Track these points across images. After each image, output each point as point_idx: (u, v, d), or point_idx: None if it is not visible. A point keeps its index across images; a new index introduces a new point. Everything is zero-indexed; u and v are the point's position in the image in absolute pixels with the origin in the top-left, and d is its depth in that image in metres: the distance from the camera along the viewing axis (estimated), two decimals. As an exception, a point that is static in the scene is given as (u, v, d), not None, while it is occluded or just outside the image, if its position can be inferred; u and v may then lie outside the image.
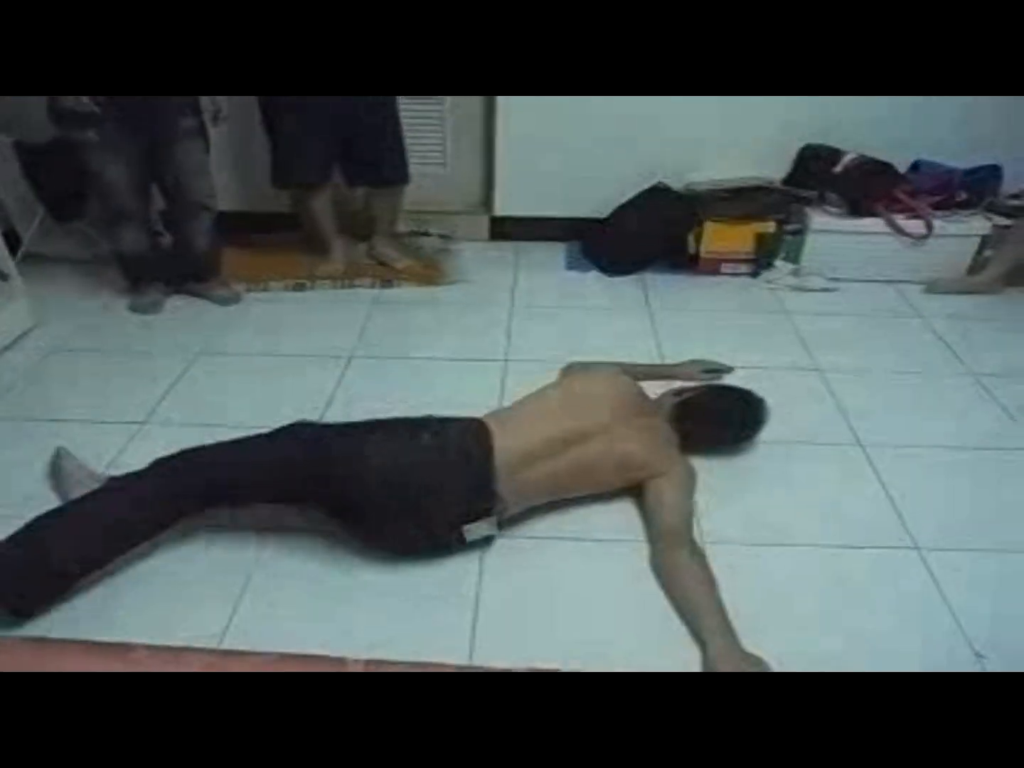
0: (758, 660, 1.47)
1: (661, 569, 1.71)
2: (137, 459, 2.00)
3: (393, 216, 3.18)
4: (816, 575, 1.73)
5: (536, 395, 1.94)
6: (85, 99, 2.32)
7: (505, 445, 1.72)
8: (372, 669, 1.19)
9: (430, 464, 1.70)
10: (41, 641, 1.23)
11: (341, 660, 1.21)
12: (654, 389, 2.11)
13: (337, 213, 3.12)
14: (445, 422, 1.78)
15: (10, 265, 2.60)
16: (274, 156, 2.88)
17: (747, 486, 1.99)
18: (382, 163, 2.92)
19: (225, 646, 1.52)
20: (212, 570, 1.71)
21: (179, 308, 2.86)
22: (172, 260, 2.89)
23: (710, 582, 1.63)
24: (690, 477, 1.89)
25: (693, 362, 2.39)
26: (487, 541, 1.79)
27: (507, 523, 1.80)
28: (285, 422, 1.78)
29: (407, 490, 1.67)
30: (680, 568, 1.66)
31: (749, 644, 1.51)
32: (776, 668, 1.45)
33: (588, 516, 1.88)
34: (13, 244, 2.82)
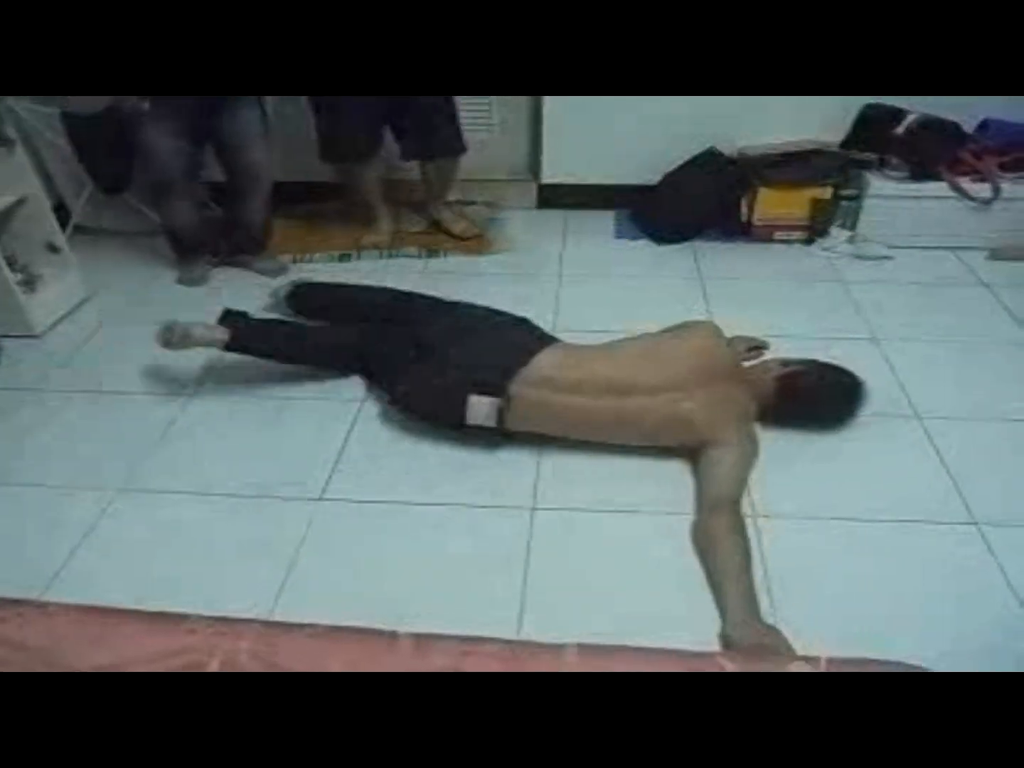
0: (776, 633, 1.46)
1: (698, 536, 1.71)
2: (191, 423, 2.11)
3: (448, 186, 3.17)
4: (872, 549, 1.69)
5: (627, 339, 2.04)
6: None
7: (544, 361, 1.90)
8: (421, 643, 1.20)
9: (477, 331, 2.06)
10: (104, 611, 1.26)
11: (392, 633, 1.22)
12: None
13: (385, 182, 3.11)
14: (523, 323, 2.13)
15: (61, 239, 2.64)
16: (320, 131, 2.87)
17: (802, 458, 1.96)
18: (436, 135, 2.88)
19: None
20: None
21: (226, 280, 2.88)
22: (224, 231, 2.91)
23: (743, 554, 1.61)
24: (752, 453, 1.87)
25: (735, 339, 2.21)
26: (490, 443, 1.95)
27: (550, 493, 1.82)
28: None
29: (450, 338, 2.02)
30: (716, 538, 1.65)
31: (797, 620, 1.49)
32: (798, 646, 1.42)
33: (637, 487, 1.86)
34: (63, 218, 2.86)
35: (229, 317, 2.21)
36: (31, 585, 1.60)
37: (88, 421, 2.14)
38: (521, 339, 2.03)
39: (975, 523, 1.74)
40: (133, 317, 2.60)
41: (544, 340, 2.04)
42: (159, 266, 2.93)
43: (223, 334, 2.10)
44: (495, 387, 1.86)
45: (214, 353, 2.32)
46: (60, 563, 1.69)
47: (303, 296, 2.58)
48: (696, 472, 1.87)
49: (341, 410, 2.15)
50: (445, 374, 1.93)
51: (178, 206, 2.72)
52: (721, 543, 1.64)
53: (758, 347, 2.27)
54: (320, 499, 1.86)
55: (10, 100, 2.42)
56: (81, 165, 2.94)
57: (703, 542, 1.69)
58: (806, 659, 1.20)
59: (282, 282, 2.68)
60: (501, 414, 1.87)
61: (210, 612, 1.26)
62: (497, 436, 1.96)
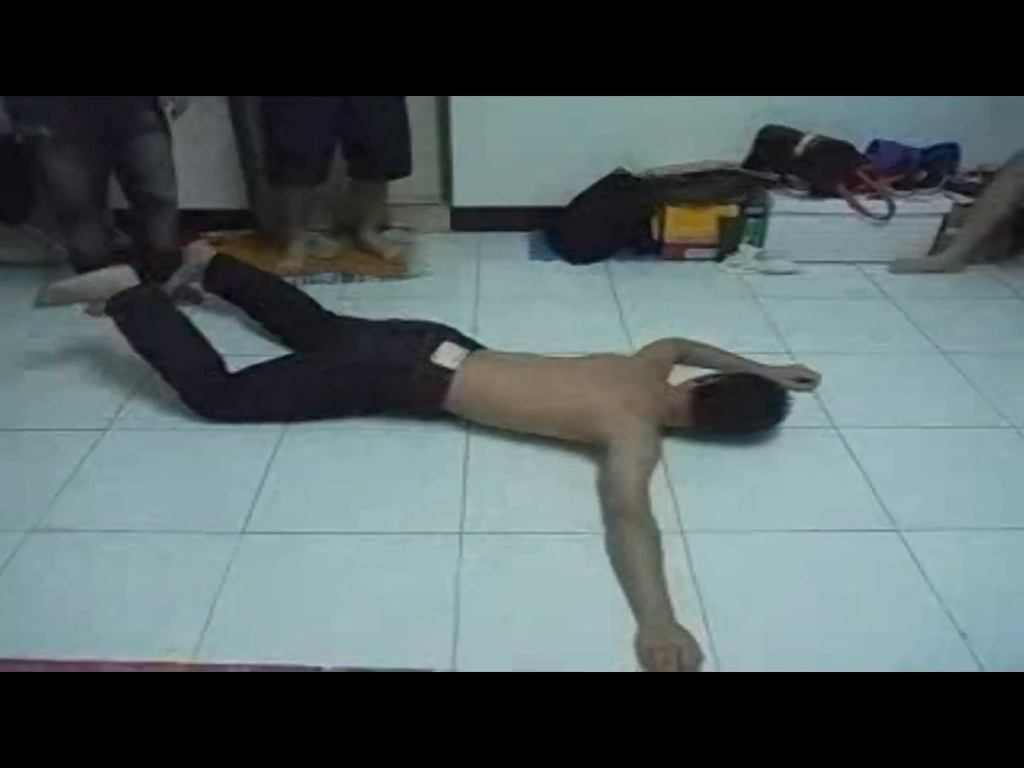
0: (687, 636, 1.47)
1: (608, 546, 1.71)
2: (105, 458, 2.00)
3: (381, 209, 3.18)
4: (795, 560, 1.70)
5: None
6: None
7: (482, 351, 2.15)
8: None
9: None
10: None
11: (318, 670, 1.16)
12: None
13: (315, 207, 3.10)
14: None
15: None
16: (272, 156, 2.84)
17: (723, 471, 1.97)
18: (387, 155, 2.89)
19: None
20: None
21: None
22: (132, 259, 2.78)
23: (652, 557, 1.61)
24: (653, 452, 1.89)
25: (786, 368, 2.31)
26: (427, 418, 2.05)
27: (483, 524, 1.77)
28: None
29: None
30: (625, 543, 1.65)
31: (726, 633, 1.50)
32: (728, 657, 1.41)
33: (565, 509, 1.84)
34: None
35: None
36: None
37: None
38: (465, 338, 2.22)
39: (896, 530, 1.78)
40: (35, 350, 2.46)
41: (480, 346, 2.23)
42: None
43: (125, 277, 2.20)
44: (466, 342, 2.12)
45: (129, 384, 2.26)
46: None
47: (222, 270, 2.53)
48: (600, 478, 1.88)
49: (262, 438, 2.06)
50: (418, 329, 2.14)
51: (85, 233, 2.60)
52: (628, 549, 1.63)
53: (809, 380, 2.28)
54: (243, 532, 1.76)
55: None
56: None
57: (613, 550, 1.69)
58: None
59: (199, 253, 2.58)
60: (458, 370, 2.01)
61: (129, 657, 1.16)
62: (439, 395, 2.01)
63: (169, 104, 2.49)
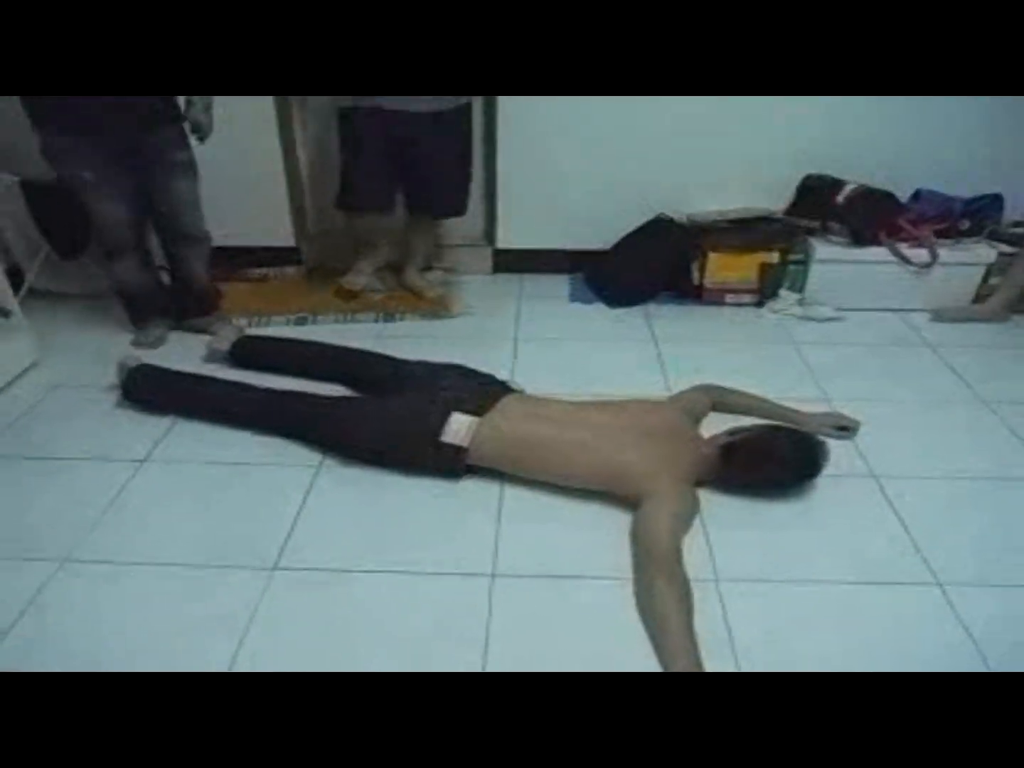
0: None
1: (638, 595, 1.70)
2: (141, 490, 2.04)
3: (429, 250, 3.25)
4: (833, 613, 1.68)
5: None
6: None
7: (511, 399, 2.12)
8: None
9: (452, 372, 2.27)
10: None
11: None
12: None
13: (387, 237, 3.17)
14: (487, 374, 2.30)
15: (12, 302, 2.58)
16: (342, 179, 2.93)
17: (760, 521, 1.96)
18: (447, 193, 2.98)
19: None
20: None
21: (180, 342, 2.84)
22: (171, 295, 2.88)
23: (682, 609, 1.60)
24: (688, 511, 1.88)
25: (825, 415, 2.30)
26: (449, 476, 2.04)
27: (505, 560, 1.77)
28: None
29: (429, 374, 2.26)
30: (654, 593, 1.64)
31: None
32: None
33: (596, 554, 1.84)
34: (17, 282, 2.82)
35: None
36: None
37: (33, 487, 2.05)
38: (492, 380, 2.27)
39: (938, 583, 1.75)
40: (85, 380, 2.54)
41: (509, 388, 2.24)
42: (114, 330, 2.88)
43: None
44: (478, 408, 2.03)
45: (167, 418, 2.31)
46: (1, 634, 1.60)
47: (247, 348, 2.60)
48: (632, 529, 1.86)
49: (297, 476, 2.10)
50: (432, 394, 2.10)
51: (128, 269, 2.70)
52: (658, 601, 1.62)
53: (847, 428, 2.27)
54: (275, 568, 1.79)
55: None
56: (38, 230, 2.91)
57: (642, 601, 1.68)
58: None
59: (221, 336, 2.66)
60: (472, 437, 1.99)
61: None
62: (458, 467, 2.02)
63: (201, 120, 2.50)
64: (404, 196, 2.99)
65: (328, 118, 3.00)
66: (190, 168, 2.60)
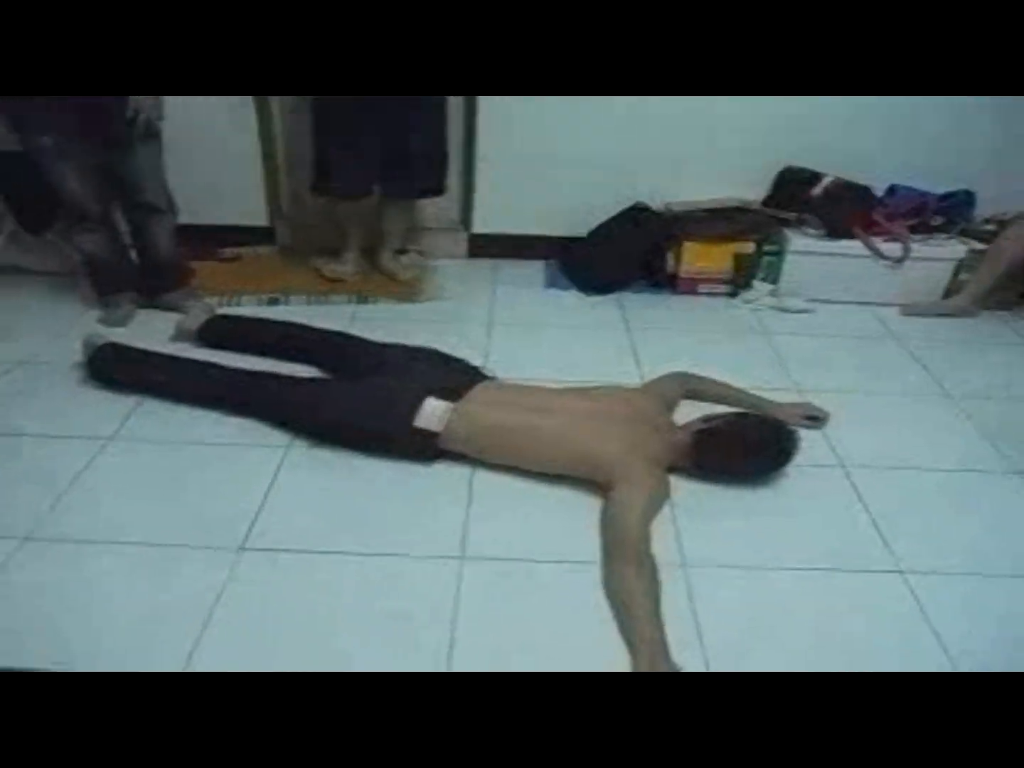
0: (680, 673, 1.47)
1: (606, 581, 1.71)
2: (106, 468, 2.01)
3: (404, 232, 3.22)
4: (797, 599, 1.70)
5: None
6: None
7: (485, 385, 2.13)
8: None
9: (427, 357, 2.27)
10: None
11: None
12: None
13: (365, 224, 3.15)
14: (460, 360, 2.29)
15: (-26, 276, 2.53)
16: (317, 163, 2.89)
17: (728, 508, 1.97)
18: (424, 174, 2.96)
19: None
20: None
21: (148, 321, 2.79)
22: (137, 269, 2.84)
23: (649, 594, 1.61)
24: (658, 497, 1.89)
25: (796, 405, 2.30)
26: (421, 460, 2.03)
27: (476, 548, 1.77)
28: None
29: (405, 358, 2.24)
30: (622, 578, 1.65)
31: (723, 670, 1.50)
32: None
33: (565, 537, 1.84)
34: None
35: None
36: None
37: None
38: (466, 367, 2.26)
39: (900, 571, 1.78)
40: (50, 357, 2.49)
41: (482, 375, 2.23)
42: (81, 307, 2.83)
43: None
44: (451, 394, 2.02)
45: (133, 398, 2.27)
46: None
47: (218, 327, 2.57)
48: (602, 515, 1.87)
49: (265, 456, 2.07)
50: (407, 378, 2.09)
51: (94, 239, 2.65)
52: (625, 586, 1.63)
53: (817, 417, 2.27)
54: (241, 549, 1.77)
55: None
56: (2, 202, 2.86)
57: (609, 585, 1.69)
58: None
59: (187, 317, 2.63)
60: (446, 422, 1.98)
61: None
62: (430, 452, 2.02)
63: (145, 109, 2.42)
64: (380, 179, 2.96)
65: (303, 100, 2.96)
66: (150, 138, 2.52)
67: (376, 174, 2.92)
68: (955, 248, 3.07)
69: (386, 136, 2.78)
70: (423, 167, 2.94)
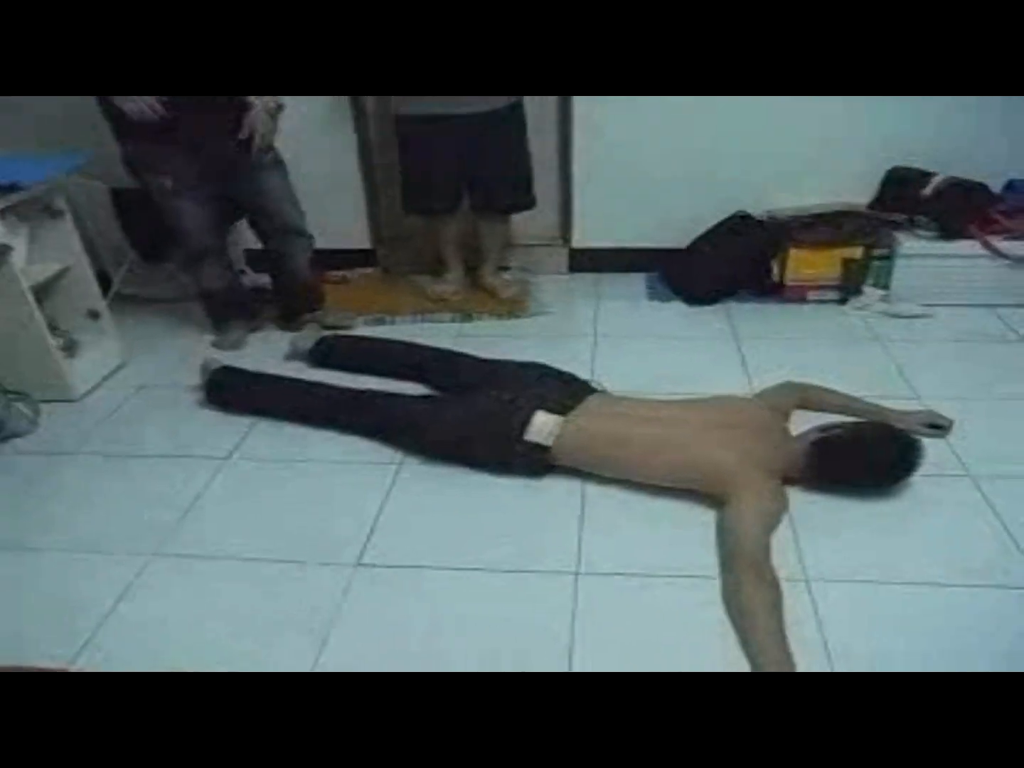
0: None
1: (725, 596, 1.68)
2: (225, 488, 2.11)
3: (503, 248, 3.26)
4: (932, 615, 1.64)
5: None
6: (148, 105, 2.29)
7: (596, 398, 2.13)
8: None
9: (535, 372, 2.28)
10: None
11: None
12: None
13: (463, 239, 3.21)
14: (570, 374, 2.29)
15: (102, 305, 2.71)
16: (405, 183, 2.99)
17: (851, 520, 1.91)
18: (508, 188, 3.00)
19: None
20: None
21: (261, 343, 2.93)
22: (276, 297, 2.97)
23: (772, 607, 1.57)
24: (776, 509, 1.85)
25: (917, 413, 2.22)
26: (533, 474, 2.05)
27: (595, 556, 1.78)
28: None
29: (513, 373, 2.27)
30: (742, 592, 1.62)
31: None
32: None
33: (682, 550, 1.83)
34: (105, 286, 2.92)
35: None
36: (66, 647, 1.61)
37: (124, 484, 2.15)
38: (575, 380, 2.25)
39: (1042, 585, 1.69)
40: (169, 381, 2.64)
41: (591, 388, 2.22)
42: (197, 332, 2.99)
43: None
44: (561, 407, 2.02)
45: (248, 419, 2.38)
46: (94, 627, 1.67)
47: (329, 347, 2.65)
48: (718, 527, 1.85)
49: (378, 473, 2.14)
50: (515, 393, 2.09)
51: (210, 272, 2.79)
52: (745, 600, 1.60)
53: (940, 426, 2.20)
54: (357, 565, 1.83)
55: (61, 176, 2.50)
56: (124, 235, 3.04)
57: (729, 600, 1.66)
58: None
59: (305, 335, 2.75)
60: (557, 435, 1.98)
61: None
62: (541, 466, 2.03)
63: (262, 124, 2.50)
64: (469, 196, 3.02)
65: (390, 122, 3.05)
66: (276, 165, 2.65)
67: (461, 190, 2.99)
68: (1084, 244, 2.89)
69: (467, 155, 2.84)
70: (506, 182, 2.98)
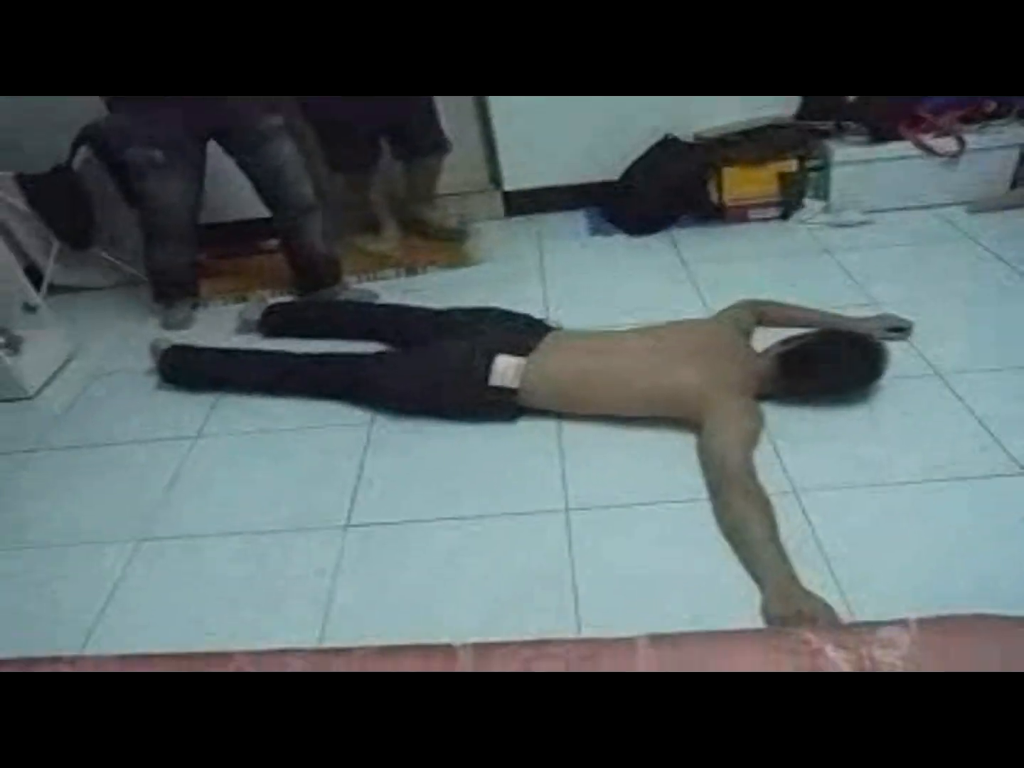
0: (815, 599, 1.41)
1: (719, 516, 1.66)
2: (200, 466, 2.04)
3: (433, 186, 3.16)
4: (915, 512, 1.63)
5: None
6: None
7: (556, 334, 2.09)
8: (482, 653, 1.10)
9: (492, 316, 2.24)
10: (130, 658, 1.16)
11: (448, 647, 1.11)
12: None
13: (390, 194, 3.14)
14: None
15: (36, 297, 2.57)
16: (324, 143, 2.87)
17: (827, 429, 1.90)
18: (423, 134, 2.91)
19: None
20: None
21: (205, 320, 2.82)
22: (292, 272, 2.84)
23: (766, 523, 1.56)
24: (753, 424, 1.83)
25: (876, 318, 2.20)
26: (504, 419, 2.00)
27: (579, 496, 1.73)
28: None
29: (470, 320, 2.22)
30: (735, 512, 1.60)
31: (858, 588, 1.46)
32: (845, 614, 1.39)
33: (666, 476, 1.80)
34: (36, 279, 2.79)
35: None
36: (68, 643, 1.53)
37: (96, 475, 2.05)
38: (531, 320, 2.22)
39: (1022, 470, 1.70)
40: (122, 367, 2.53)
41: (548, 327, 2.19)
42: (139, 315, 2.86)
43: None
44: (522, 349, 1.97)
45: (210, 396, 2.29)
46: (94, 617, 1.61)
47: (277, 315, 2.56)
48: (699, 452, 1.82)
49: (351, 435, 2.07)
50: (473, 339, 2.05)
51: (173, 250, 2.65)
52: (739, 516, 1.59)
53: (901, 328, 2.18)
54: (347, 527, 1.77)
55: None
56: (43, 224, 2.86)
57: (723, 521, 1.64)
58: (894, 622, 1.14)
59: (251, 306, 2.66)
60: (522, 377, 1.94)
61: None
62: (512, 410, 1.99)
63: None
64: (390, 146, 2.95)
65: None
66: (282, 133, 2.50)
67: (379, 142, 2.91)
68: (1017, 132, 2.89)
69: (379, 105, 2.70)
70: (423, 125, 2.90)
